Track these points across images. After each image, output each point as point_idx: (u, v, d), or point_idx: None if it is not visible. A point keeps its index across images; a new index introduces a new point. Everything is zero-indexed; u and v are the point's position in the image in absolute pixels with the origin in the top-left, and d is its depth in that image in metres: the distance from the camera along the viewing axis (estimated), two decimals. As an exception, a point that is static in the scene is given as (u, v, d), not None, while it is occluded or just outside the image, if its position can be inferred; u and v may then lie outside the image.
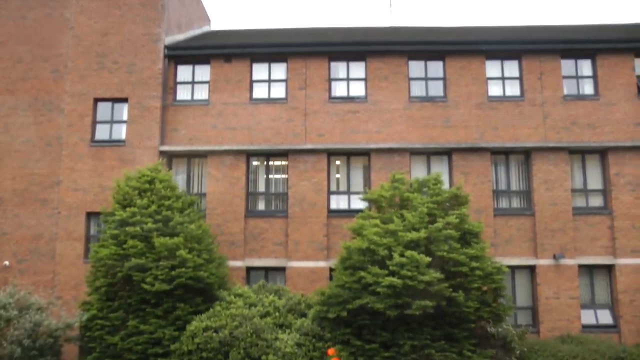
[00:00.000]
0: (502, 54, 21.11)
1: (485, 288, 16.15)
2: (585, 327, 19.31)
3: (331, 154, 20.18)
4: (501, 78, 21.06)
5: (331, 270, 17.88)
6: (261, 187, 20.30)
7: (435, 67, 21.04)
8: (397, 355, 15.47)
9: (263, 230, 19.51)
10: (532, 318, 19.48)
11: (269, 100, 20.40)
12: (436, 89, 20.81)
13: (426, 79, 20.87)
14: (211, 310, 16.38)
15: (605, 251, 19.91)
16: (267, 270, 19.50)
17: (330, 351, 15.53)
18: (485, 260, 16.07)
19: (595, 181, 20.69)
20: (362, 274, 15.33)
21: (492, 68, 21.12)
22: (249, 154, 20.13)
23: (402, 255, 15.02)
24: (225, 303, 16.61)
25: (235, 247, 19.16)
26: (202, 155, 20.17)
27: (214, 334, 15.46)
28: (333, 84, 20.67)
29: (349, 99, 20.44)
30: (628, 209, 20.06)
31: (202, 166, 20.32)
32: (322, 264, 19.12)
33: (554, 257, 19.39)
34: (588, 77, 21.25)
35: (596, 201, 20.57)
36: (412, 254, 14.91)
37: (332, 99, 20.42)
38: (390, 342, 15.64)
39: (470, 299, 15.57)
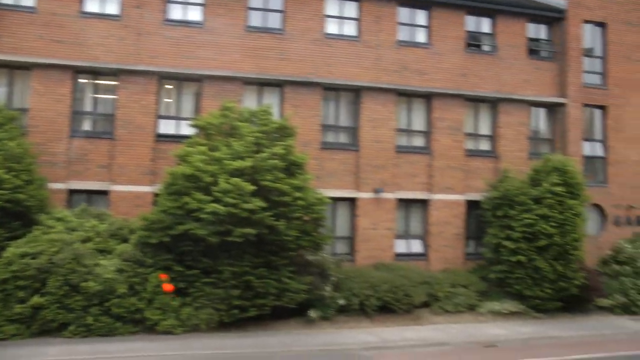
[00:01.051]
0: None
1: (306, 218, 16.55)
2: (398, 255, 20.66)
3: (163, 77, 19.34)
4: (339, 17, 21.18)
5: (156, 195, 17.43)
6: (88, 107, 19.10)
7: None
8: (218, 281, 15.65)
9: (87, 152, 18.46)
10: (350, 247, 20.42)
11: (102, 16, 19.04)
12: (274, 21, 20.53)
13: (265, 10, 20.50)
14: (29, 235, 15.48)
15: (422, 187, 21.20)
16: (90, 193, 18.61)
17: (163, 276, 15.44)
18: (308, 191, 16.42)
19: (418, 123, 21.75)
20: (186, 199, 15.14)
21: (332, 6, 21.16)
22: (77, 71, 18.76)
23: (226, 182, 14.98)
24: (44, 227, 15.79)
25: (57, 168, 18.02)
26: (26, 67, 18.51)
27: (32, 261, 14.69)
28: (170, 6, 19.67)
29: (185, 22, 19.66)
30: (446, 150, 21.43)
31: (26, 79, 18.74)
32: (147, 188, 18.55)
33: (375, 191, 20.33)
34: (422, 26, 22.03)
35: (418, 141, 21.68)
36: (237, 181, 14.92)
37: (168, 21, 19.51)
38: (211, 269, 15.77)
39: (291, 228, 15.94)
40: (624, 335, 18.63)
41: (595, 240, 23.22)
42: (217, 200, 14.92)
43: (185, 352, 14.09)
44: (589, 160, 24.09)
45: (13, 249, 14.91)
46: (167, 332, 15.39)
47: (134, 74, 18.89)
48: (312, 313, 17.11)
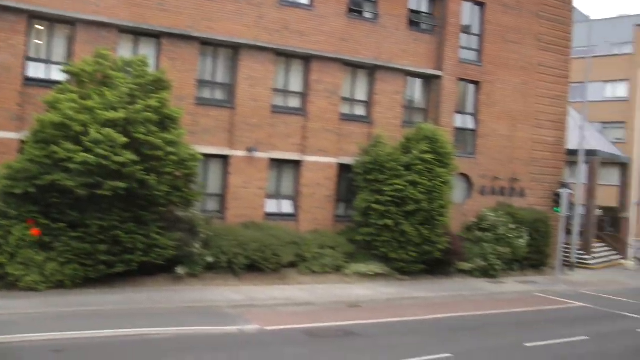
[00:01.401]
0: None
1: (178, 173, 17.07)
2: (268, 215, 21.86)
3: (34, 17, 18.80)
4: (222, -29, 21.35)
5: (22, 143, 17.27)
6: (-55, 42, 18.49)
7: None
8: (85, 235, 15.92)
9: (-57, 92, 18.05)
10: (221, 205, 21.33)
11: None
12: None
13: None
14: None
15: (296, 148, 22.42)
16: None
17: (30, 221, 15.54)
18: (181, 146, 16.92)
19: (296, 84, 22.84)
20: (55, 149, 15.20)
21: (215, -42, 21.27)
22: None
23: (98, 132, 15.18)
24: None
25: None
26: None
27: None
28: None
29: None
30: (321, 113, 22.73)
31: None
32: (12, 135, 18.14)
33: (248, 149, 21.27)
34: (305, -13, 22.79)
35: (294, 103, 22.82)
36: (109, 132, 15.18)
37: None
38: (78, 223, 15.99)
39: (162, 183, 16.42)
40: (481, 297, 21.12)
41: (461, 207, 25.58)
42: (87, 150, 15.10)
43: (47, 309, 14.21)
44: (460, 132, 26.35)
45: None
46: (31, 289, 15.46)
47: (1, 10, 18.32)
48: (180, 270, 17.93)
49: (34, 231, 15.62)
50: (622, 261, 35.00)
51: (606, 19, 57.62)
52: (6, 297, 15.01)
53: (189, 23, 20.62)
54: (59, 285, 15.98)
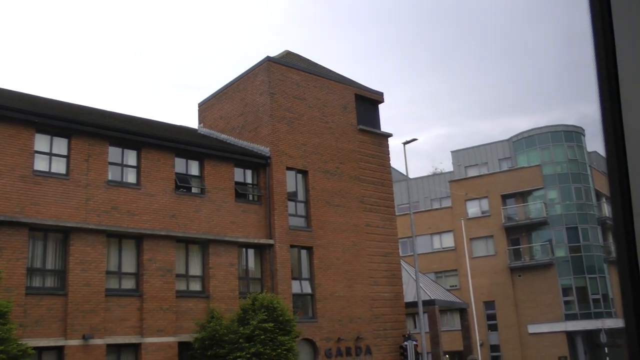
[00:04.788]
0: (52, 130, 22.82)
1: None
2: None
3: None
4: (49, 154, 22.76)
5: None
6: None
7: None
8: None
9: None
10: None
11: None
12: None
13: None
14: None
15: (133, 331, 23.17)
16: None
17: None
18: (12, 342, 17.22)
19: (129, 264, 23.99)
20: None
21: (42, 142, 22.66)
22: None
23: None
24: None
25: None
26: None
27: None
28: None
29: None
30: (157, 292, 23.87)
31: None
32: None
33: (84, 337, 21.68)
34: (132, 166, 24.79)
35: (129, 284, 23.85)
36: None
37: None
38: None
39: None
40: None
41: (308, 375, 26.92)
42: None
43: None
44: (299, 297, 28.31)
45: None
46: None
47: None
48: None
49: None
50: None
51: (423, 177, 64.27)
52: None
53: (17, 208, 21.29)
54: None
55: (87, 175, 23.20)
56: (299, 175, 29.73)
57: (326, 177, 30.46)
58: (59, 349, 21.52)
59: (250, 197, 28.10)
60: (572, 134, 53.85)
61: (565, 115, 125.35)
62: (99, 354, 22.07)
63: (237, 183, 27.61)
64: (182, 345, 24.11)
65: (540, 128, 54.45)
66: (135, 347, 23.23)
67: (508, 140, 58.07)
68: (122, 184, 24.18)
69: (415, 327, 41.67)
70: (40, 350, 20.69)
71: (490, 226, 52.18)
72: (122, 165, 24.57)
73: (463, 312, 42.23)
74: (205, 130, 32.82)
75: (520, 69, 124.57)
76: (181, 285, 25.10)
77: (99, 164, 23.61)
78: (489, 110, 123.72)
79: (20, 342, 17.89)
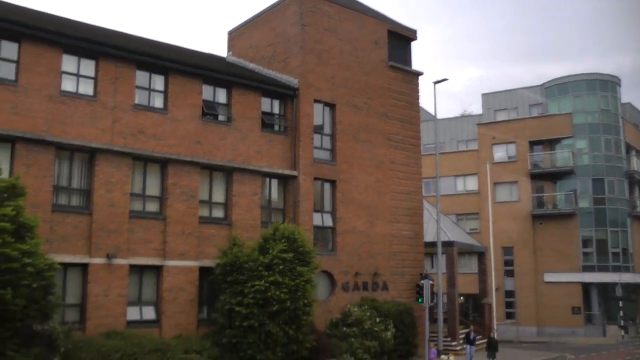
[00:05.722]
0: (80, 51, 22.91)
1: (35, 285, 17.49)
2: (130, 322, 22.70)
3: None
4: (77, 75, 22.91)
5: None
6: None
7: (10, 48, 21.63)
8: None
9: None
10: (81, 315, 21.95)
11: None
12: (8, 72, 21.43)
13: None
14: None
15: (156, 253, 23.67)
16: None
17: None
18: (39, 256, 17.58)
19: (154, 188, 24.32)
20: None
21: (69, 62, 22.80)
22: None
23: None
24: None
25: None
26: None
27: None
28: None
29: None
30: (180, 217, 24.24)
31: None
32: None
33: (107, 256, 22.23)
34: (160, 91, 24.88)
35: (153, 207, 24.22)
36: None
37: None
38: None
39: (18, 296, 16.80)
40: None
41: (326, 304, 27.51)
42: None
43: None
44: (320, 229, 28.63)
45: None
46: None
47: None
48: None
49: None
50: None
51: (451, 118, 63.80)
52: None
53: (44, 127, 21.59)
54: None
55: (114, 98, 23.37)
56: (327, 108, 29.68)
57: (353, 111, 30.41)
58: (84, 266, 22.08)
59: (276, 128, 28.17)
60: (608, 83, 52.84)
61: (601, 65, 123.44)
62: (121, 274, 22.64)
63: (263, 113, 27.63)
64: (203, 270, 24.59)
65: (575, 75, 53.38)
66: (157, 269, 23.77)
67: (540, 86, 57.19)
68: (148, 108, 24.32)
69: (433, 267, 42.11)
70: (65, 265, 21.26)
71: (515, 172, 51.83)
72: (150, 89, 24.67)
73: (481, 255, 42.58)
74: (234, 59, 32.76)
75: (558, 15, 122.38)
76: (204, 212, 25.41)
77: (126, 87, 23.75)
78: (523, 55, 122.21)
79: (46, 257, 18.25)
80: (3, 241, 16.58)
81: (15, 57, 21.69)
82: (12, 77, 21.54)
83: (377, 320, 27.33)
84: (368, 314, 27.38)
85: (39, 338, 18.52)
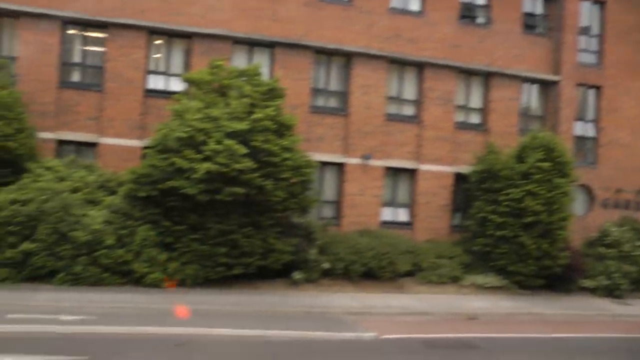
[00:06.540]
0: None
1: (294, 180, 18.37)
2: (384, 223, 23.07)
3: (152, 32, 21.19)
4: (339, -19, 23.01)
5: (144, 149, 19.25)
6: (77, 58, 21.02)
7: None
8: (204, 238, 17.65)
9: (76, 103, 20.44)
10: (336, 212, 22.73)
11: (92, -32, 20.71)
12: None
13: (259, -30, 22.21)
14: (19, 182, 17.37)
15: (411, 156, 23.58)
16: (78, 145, 20.58)
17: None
18: (297, 152, 18.33)
19: (410, 92, 24.02)
20: (176, 159, 16.69)
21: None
22: (65, 21, 20.51)
23: (219, 142, 16.58)
24: (34, 176, 17.64)
25: (47, 118, 19.90)
26: (14, 15, 20.18)
27: (22, 208, 16.60)
28: (159, -41, 21.37)
29: (172, -23, 21.40)
30: (436, 121, 23.76)
31: (14, 28, 20.41)
32: (135, 143, 20.56)
33: (363, 157, 22.59)
34: (416, -7, 24.15)
35: (408, 110, 23.98)
36: (230, 144, 16.57)
37: (158, -25, 21.25)
38: (198, 225, 17.66)
39: (279, 188, 17.79)
40: (607, 318, 20.46)
41: (582, 220, 25.68)
42: (207, 158, 16.56)
43: (169, 305, 15.79)
44: (580, 140, 26.56)
45: (3, 195, 16.89)
46: (154, 285, 17.46)
47: (122, 28, 20.73)
48: (297, 275, 19.30)
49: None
50: None
51: None
52: (132, 291, 17.14)
53: (301, 32, 22.24)
54: (180, 283, 17.83)
55: (370, 2, 23.17)
56: (595, 7, 26.87)
57: (627, 8, 27.08)
58: (339, 166, 22.69)
59: (539, 29, 26.18)
60: None
61: None
62: (376, 174, 22.95)
63: (525, 14, 25.71)
64: (457, 176, 24.08)
65: None
66: (412, 172, 23.72)
67: None
68: (405, 12, 23.80)
69: None
70: (322, 164, 22.00)
71: None
72: (405, -8, 24.16)
73: None
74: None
75: None
76: (460, 117, 24.66)
77: (382, -11, 23.43)
78: None
79: (304, 153, 18.92)
80: (266, 138, 17.40)
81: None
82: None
83: (638, 243, 25.03)
84: (628, 235, 25.05)
85: (297, 229, 19.53)
